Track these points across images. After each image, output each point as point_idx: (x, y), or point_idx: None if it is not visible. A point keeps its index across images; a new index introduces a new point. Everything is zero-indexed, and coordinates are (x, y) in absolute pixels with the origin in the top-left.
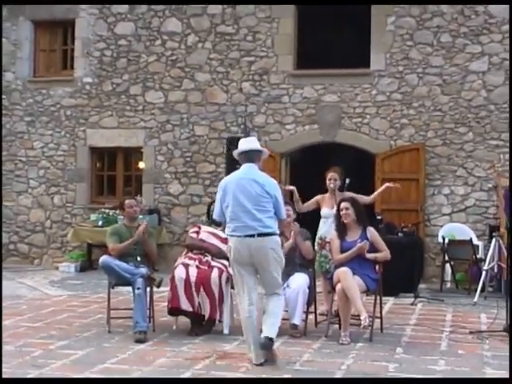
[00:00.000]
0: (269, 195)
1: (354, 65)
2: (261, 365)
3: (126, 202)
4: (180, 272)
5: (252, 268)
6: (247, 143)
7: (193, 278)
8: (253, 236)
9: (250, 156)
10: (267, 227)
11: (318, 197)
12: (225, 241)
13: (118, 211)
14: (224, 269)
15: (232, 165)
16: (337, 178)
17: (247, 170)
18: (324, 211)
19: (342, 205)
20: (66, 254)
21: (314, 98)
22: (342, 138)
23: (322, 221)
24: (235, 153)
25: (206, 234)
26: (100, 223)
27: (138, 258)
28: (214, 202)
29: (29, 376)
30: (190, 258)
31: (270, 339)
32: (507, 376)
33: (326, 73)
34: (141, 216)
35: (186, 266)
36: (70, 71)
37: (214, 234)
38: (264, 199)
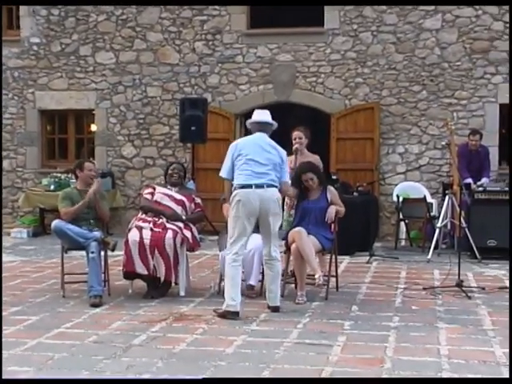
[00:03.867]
0: (281, 160)
1: (307, 23)
2: (237, 314)
3: (87, 163)
4: (134, 235)
5: (254, 219)
6: (263, 115)
7: (147, 241)
8: (262, 187)
9: (264, 127)
10: (274, 181)
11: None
12: (180, 202)
13: (70, 175)
14: (178, 231)
15: (186, 126)
16: (302, 137)
17: (262, 136)
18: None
19: (308, 175)
20: (18, 219)
21: (268, 57)
22: (296, 97)
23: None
24: (249, 122)
25: (161, 195)
26: (52, 187)
27: (92, 222)
28: (171, 164)
29: None
30: (144, 221)
31: (278, 308)
32: (459, 329)
33: (280, 32)
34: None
35: (140, 228)
36: (16, 31)
37: (169, 196)
38: (277, 162)
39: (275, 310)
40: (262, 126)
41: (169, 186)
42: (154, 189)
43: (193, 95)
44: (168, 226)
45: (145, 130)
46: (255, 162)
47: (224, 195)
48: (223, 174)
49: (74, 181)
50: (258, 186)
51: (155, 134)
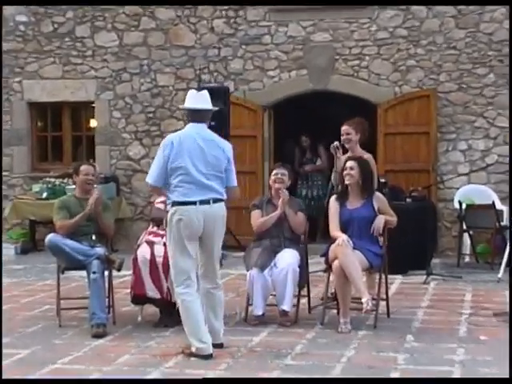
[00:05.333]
0: (227, 160)
1: None
2: (211, 356)
3: (83, 167)
4: (144, 252)
5: (197, 242)
6: (199, 100)
7: (159, 259)
8: (208, 202)
9: (202, 115)
10: (220, 193)
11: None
12: None
13: (66, 180)
14: None
15: None
16: (350, 132)
17: (201, 130)
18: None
19: (347, 163)
20: (4, 233)
21: (302, 37)
22: (335, 85)
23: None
24: (183, 107)
25: None
26: (44, 195)
27: (93, 237)
28: None
29: None
30: (156, 235)
31: (222, 344)
32: None
33: (315, 6)
34: (95, 186)
35: (151, 244)
36: None
37: None
38: (222, 164)
39: (219, 346)
40: (199, 115)
41: None
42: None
43: (212, 84)
44: None
45: (155, 125)
46: (197, 170)
47: (254, 201)
48: (151, 179)
49: (71, 187)
50: (203, 202)
51: (167, 130)
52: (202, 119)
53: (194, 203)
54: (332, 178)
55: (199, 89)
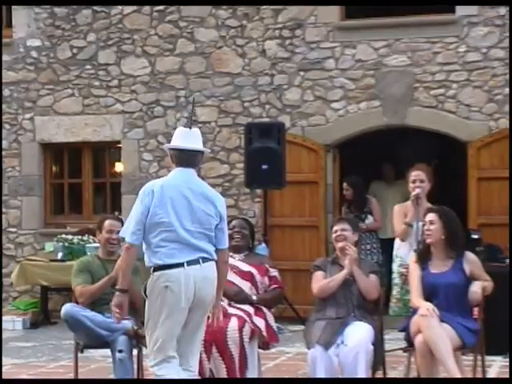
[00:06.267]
0: (218, 216)
1: (431, 10)
2: None
3: (107, 222)
4: None
5: (186, 312)
6: (190, 138)
7: None
8: (197, 262)
9: (192, 158)
10: (210, 254)
11: (399, 208)
12: (247, 276)
13: (86, 237)
14: (246, 318)
15: (254, 164)
16: (424, 179)
17: (189, 176)
18: None
19: (427, 217)
20: (10, 302)
21: (373, 60)
22: (415, 119)
23: (397, 241)
24: (167, 146)
25: None
26: (60, 255)
27: None
28: (232, 220)
29: None
30: None
31: None
32: None
33: (390, 22)
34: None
35: None
36: (6, 30)
37: (232, 267)
38: (213, 221)
39: None
40: (188, 158)
41: (230, 253)
42: None
43: (263, 119)
44: (231, 311)
45: None
46: (182, 226)
47: (316, 262)
48: (128, 236)
49: (92, 245)
50: (191, 263)
51: (209, 175)
52: (191, 163)
53: (180, 265)
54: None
55: (189, 126)
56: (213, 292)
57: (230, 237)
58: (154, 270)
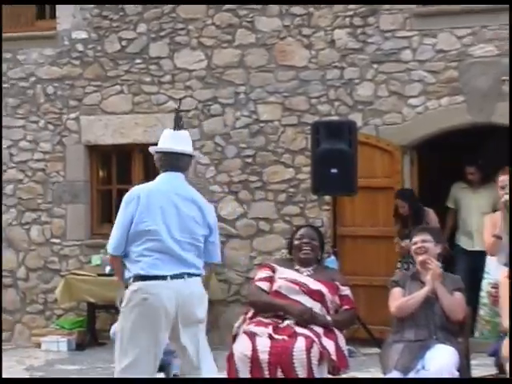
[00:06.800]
0: (206, 226)
1: None
2: None
3: None
4: (242, 346)
5: (166, 334)
6: (178, 140)
7: (264, 355)
8: (182, 277)
9: (179, 162)
10: (197, 268)
11: (490, 218)
12: (316, 295)
13: None
14: (315, 339)
15: (321, 168)
16: None
17: (177, 182)
18: None
19: None
20: (53, 321)
21: (456, 51)
22: (503, 116)
23: (488, 257)
24: (153, 149)
25: (286, 282)
26: (108, 269)
27: None
28: (299, 229)
29: None
30: (259, 324)
31: None
32: None
33: (476, 8)
34: None
35: (252, 335)
36: (49, 22)
37: (299, 284)
38: (200, 229)
39: None
40: (176, 162)
41: (297, 266)
42: (274, 270)
43: (332, 117)
44: (298, 330)
45: (255, 174)
46: (170, 235)
47: (394, 277)
48: (111, 248)
49: None
50: (176, 277)
51: (272, 180)
52: (179, 167)
53: (163, 278)
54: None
55: (178, 128)
56: (204, 308)
57: (298, 248)
58: (134, 280)
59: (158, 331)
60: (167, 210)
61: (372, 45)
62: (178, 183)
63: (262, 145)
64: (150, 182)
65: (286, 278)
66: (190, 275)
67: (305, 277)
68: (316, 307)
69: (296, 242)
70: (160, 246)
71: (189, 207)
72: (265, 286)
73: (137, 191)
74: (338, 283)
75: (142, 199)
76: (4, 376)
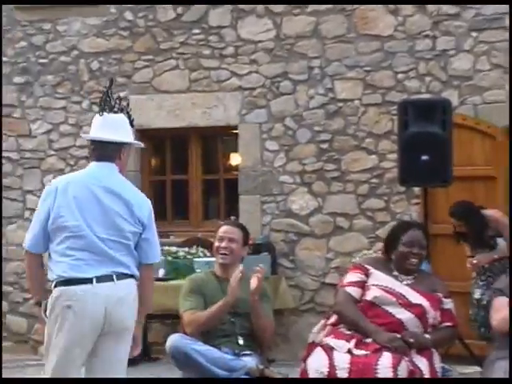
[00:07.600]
0: (138, 221)
1: None
2: None
3: (221, 228)
4: (318, 361)
5: (92, 341)
6: (107, 126)
7: (343, 373)
8: (110, 279)
9: (108, 151)
10: (127, 267)
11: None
12: (417, 310)
13: (196, 249)
14: (402, 355)
15: (410, 155)
16: None
17: (105, 172)
18: None
19: None
20: None
21: None
22: None
23: None
24: (85, 136)
25: (381, 291)
26: (161, 273)
27: (240, 340)
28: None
29: None
30: (338, 335)
31: None
32: None
33: None
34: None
35: (330, 349)
36: None
37: (398, 296)
38: (127, 225)
39: None
40: (104, 151)
41: (395, 272)
42: (368, 274)
43: (423, 95)
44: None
45: (332, 162)
46: (92, 231)
47: (499, 283)
48: (29, 244)
49: (204, 260)
50: (103, 279)
51: (352, 169)
52: (109, 156)
53: (88, 281)
54: None
55: (108, 111)
56: (133, 315)
57: (405, 257)
58: (56, 285)
59: (82, 342)
60: (86, 203)
61: (470, 9)
62: (105, 174)
63: (340, 128)
64: (75, 172)
65: (382, 286)
66: (120, 276)
67: (404, 286)
68: (413, 325)
69: (403, 249)
70: (82, 244)
71: (113, 201)
72: (355, 292)
73: (56, 182)
74: (440, 295)
75: (60, 191)
76: None
